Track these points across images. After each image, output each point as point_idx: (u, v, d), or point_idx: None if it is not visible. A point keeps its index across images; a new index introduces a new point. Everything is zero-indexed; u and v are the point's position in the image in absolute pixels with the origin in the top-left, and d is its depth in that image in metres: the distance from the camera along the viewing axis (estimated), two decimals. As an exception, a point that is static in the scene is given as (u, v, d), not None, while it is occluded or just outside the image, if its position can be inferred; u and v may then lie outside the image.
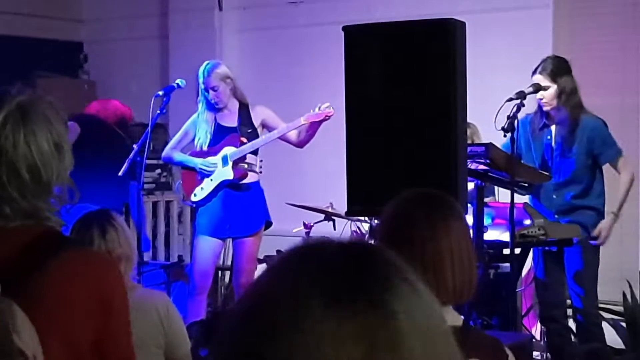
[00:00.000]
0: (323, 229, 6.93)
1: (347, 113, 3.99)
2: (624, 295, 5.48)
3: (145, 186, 6.19)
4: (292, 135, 5.87)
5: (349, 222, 6.71)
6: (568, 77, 5.22)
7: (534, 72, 5.25)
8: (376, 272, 0.82)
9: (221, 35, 8.47)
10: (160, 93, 5.91)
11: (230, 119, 5.89)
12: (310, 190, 7.61)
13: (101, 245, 3.37)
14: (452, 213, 2.29)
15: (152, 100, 5.80)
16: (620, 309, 5.57)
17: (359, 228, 6.76)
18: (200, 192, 5.91)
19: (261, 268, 6.86)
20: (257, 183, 5.98)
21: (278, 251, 7.68)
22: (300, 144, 5.93)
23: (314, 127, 5.75)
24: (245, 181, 5.89)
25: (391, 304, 0.80)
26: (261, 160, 6.29)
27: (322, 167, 7.66)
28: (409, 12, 6.21)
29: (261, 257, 7.02)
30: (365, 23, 4.28)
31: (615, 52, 6.62)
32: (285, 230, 7.31)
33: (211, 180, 5.87)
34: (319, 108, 5.70)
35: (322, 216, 6.89)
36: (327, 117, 5.68)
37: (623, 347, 5.51)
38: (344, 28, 4.04)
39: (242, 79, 8.14)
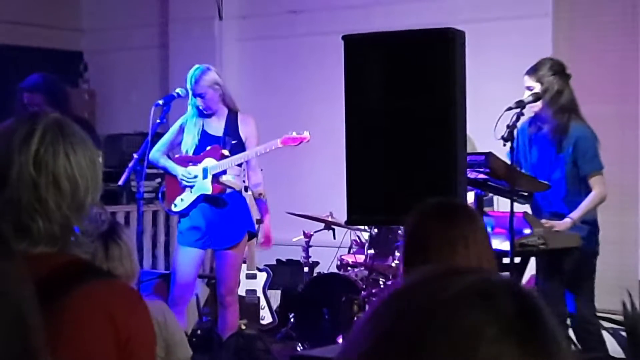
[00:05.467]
0: (323, 238, 6.94)
1: (347, 122, 4.00)
2: (624, 304, 5.46)
3: (145, 195, 6.17)
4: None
5: (349, 231, 6.71)
6: (555, 78, 5.22)
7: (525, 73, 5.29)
8: (551, 324, 0.86)
9: (221, 45, 8.49)
10: (160, 102, 5.90)
11: (217, 127, 5.84)
12: (310, 200, 7.61)
13: (103, 263, 3.32)
14: (471, 226, 2.24)
15: (152, 109, 5.79)
16: (620, 317, 5.56)
17: (358, 237, 6.76)
18: (180, 203, 5.88)
19: (261, 276, 6.87)
20: (237, 193, 5.91)
21: (278, 260, 7.69)
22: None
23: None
24: (226, 192, 5.85)
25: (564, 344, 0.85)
26: (261, 169, 6.29)
27: (322, 177, 7.66)
28: (409, 22, 6.22)
29: (261, 266, 7.02)
30: (365, 32, 4.28)
31: (615, 61, 6.62)
32: (285, 239, 7.31)
33: (191, 192, 5.85)
34: (296, 133, 5.75)
35: (322, 225, 6.90)
36: (301, 142, 5.76)
37: (623, 356, 5.51)
38: (344, 37, 4.05)
39: (241, 87, 8.16)
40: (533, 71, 5.27)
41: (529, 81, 5.24)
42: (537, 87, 5.21)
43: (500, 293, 0.84)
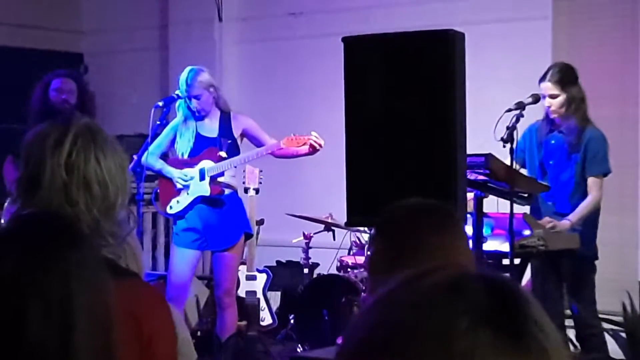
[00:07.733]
0: (323, 240, 6.94)
1: (347, 124, 4.00)
2: (624, 305, 5.47)
3: (145, 197, 6.17)
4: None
5: (349, 232, 6.72)
6: (576, 86, 5.26)
7: (542, 80, 5.28)
8: (530, 310, 0.84)
9: (221, 47, 8.49)
10: (160, 104, 5.90)
11: (211, 129, 5.83)
12: (310, 201, 7.62)
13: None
14: (445, 228, 2.14)
15: (152, 111, 5.80)
16: (620, 319, 5.56)
17: (358, 239, 6.77)
18: (176, 205, 5.86)
19: (260, 278, 6.88)
20: (234, 194, 5.90)
21: (278, 261, 7.69)
22: (275, 156, 5.87)
23: (292, 152, 5.74)
24: (224, 193, 5.83)
25: (545, 342, 0.83)
26: (261, 171, 6.29)
27: (321, 178, 7.66)
28: (408, 23, 6.22)
29: (260, 267, 7.03)
30: (365, 34, 4.29)
31: (615, 63, 6.63)
32: (285, 241, 7.32)
33: (187, 194, 5.84)
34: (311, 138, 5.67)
35: (322, 226, 6.90)
36: (311, 148, 5.65)
37: (623, 357, 5.51)
38: (344, 39, 4.05)
39: (241, 89, 8.17)
40: (556, 79, 5.25)
41: (554, 89, 5.22)
42: (562, 96, 5.21)
43: (471, 285, 0.83)
